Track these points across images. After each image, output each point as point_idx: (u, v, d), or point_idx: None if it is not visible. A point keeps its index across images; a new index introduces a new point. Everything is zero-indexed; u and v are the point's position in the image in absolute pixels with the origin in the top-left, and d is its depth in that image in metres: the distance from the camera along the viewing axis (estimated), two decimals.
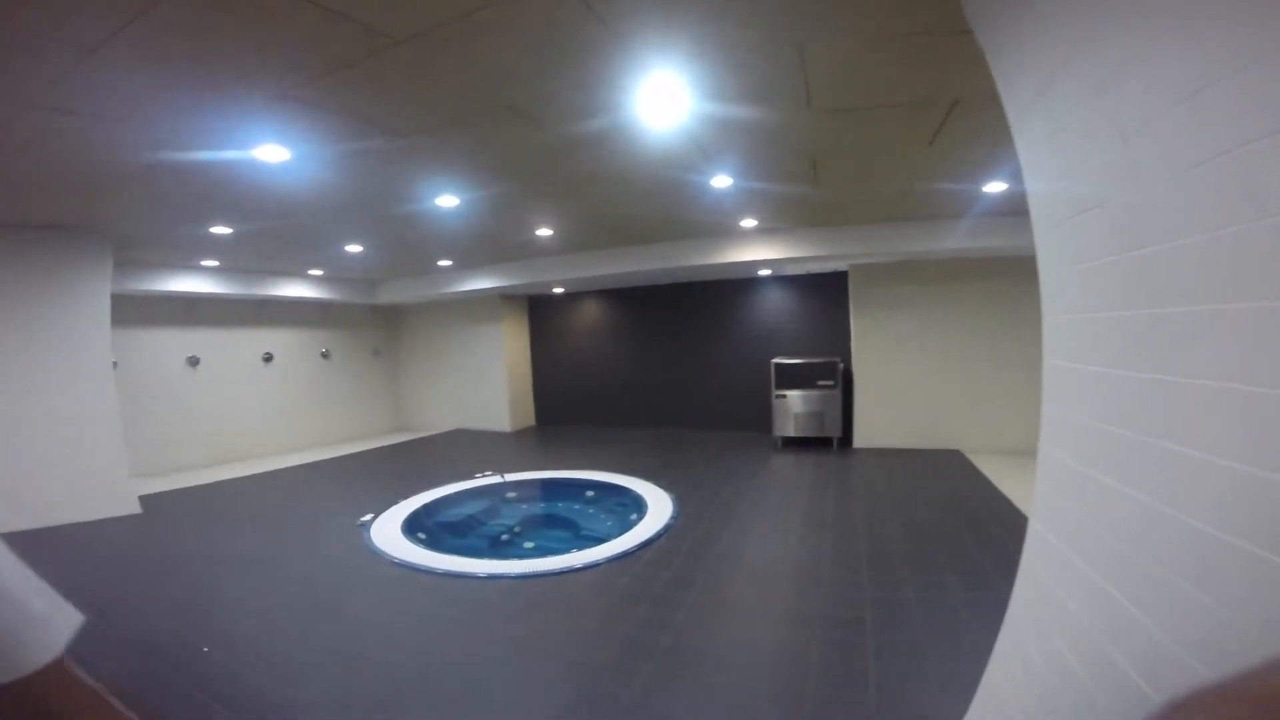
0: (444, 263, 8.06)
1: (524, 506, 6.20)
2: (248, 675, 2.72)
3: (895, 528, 4.49)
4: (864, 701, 2.39)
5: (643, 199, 5.02)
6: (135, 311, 7.15)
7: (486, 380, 10.24)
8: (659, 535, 4.47)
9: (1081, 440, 1.35)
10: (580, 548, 4.64)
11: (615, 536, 4.98)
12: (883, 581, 3.54)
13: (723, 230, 6.47)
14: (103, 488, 5.33)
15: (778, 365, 7.52)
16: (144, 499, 5.69)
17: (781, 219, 6.01)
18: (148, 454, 7.14)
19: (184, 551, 4.50)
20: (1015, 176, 4.36)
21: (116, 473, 5.43)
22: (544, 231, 6.16)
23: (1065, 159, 1.36)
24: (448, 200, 4.65)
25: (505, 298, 9.95)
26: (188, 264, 7.05)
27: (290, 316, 9.22)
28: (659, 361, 9.53)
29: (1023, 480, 5.55)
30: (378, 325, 10.86)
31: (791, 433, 7.50)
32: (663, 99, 2.93)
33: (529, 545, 5.32)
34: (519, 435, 9.81)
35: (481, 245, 6.77)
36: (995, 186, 4.69)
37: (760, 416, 8.42)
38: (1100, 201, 1.21)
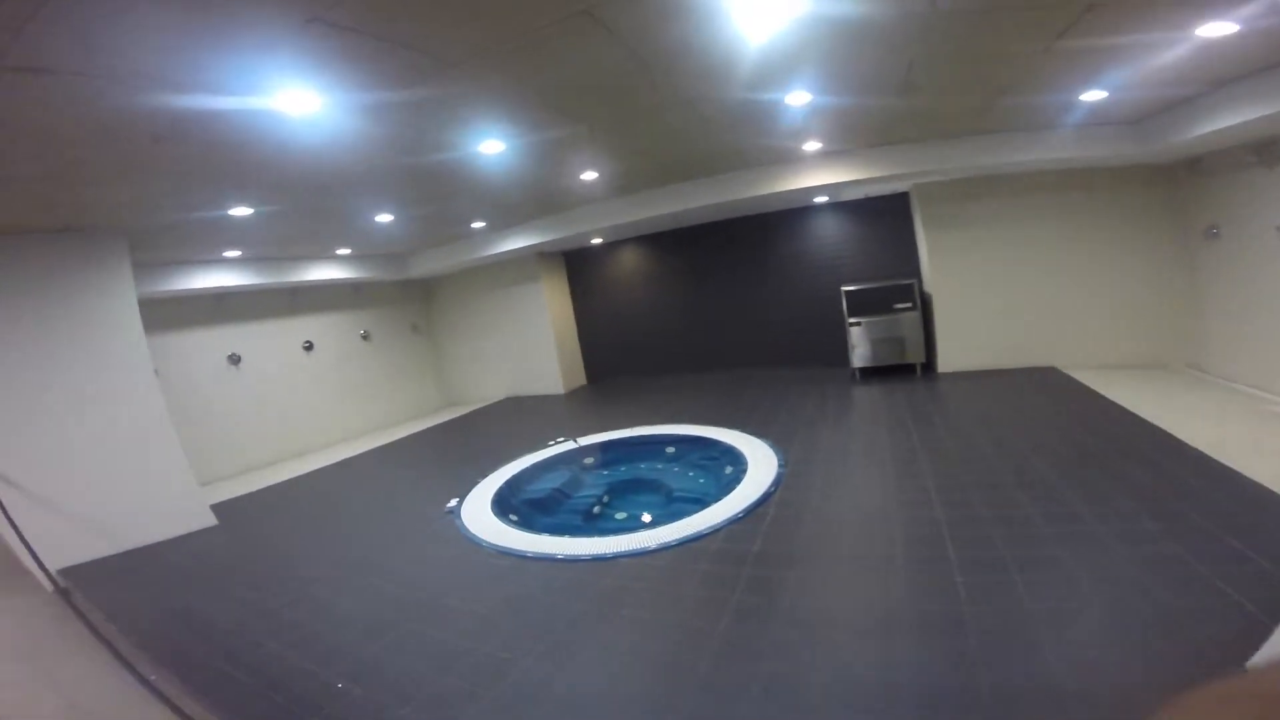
0: (478, 224, 7.59)
1: (605, 472, 5.87)
2: (398, 712, 2.39)
3: (1037, 457, 4.05)
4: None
5: (707, 129, 4.52)
6: (165, 315, 6.84)
7: (533, 343, 9.85)
8: (774, 488, 4.09)
9: None
10: (684, 511, 4.30)
11: (714, 494, 4.64)
12: (1061, 515, 3.13)
13: (781, 157, 5.95)
14: (172, 503, 5.08)
15: (848, 293, 6.99)
16: (217, 508, 5.45)
17: (849, 139, 5.46)
18: (210, 460, 6.94)
19: (273, 563, 4.22)
20: (1121, 85, 3.93)
21: (184, 485, 5.18)
22: (589, 175, 5.63)
23: None
24: (492, 146, 4.14)
25: (541, 256, 9.46)
26: (209, 257, 6.69)
27: (324, 301, 8.87)
28: (711, 302, 9.03)
29: (1145, 394, 5.06)
30: (413, 300, 10.48)
31: (870, 362, 7.02)
32: None
33: (621, 515, 5.01)
34: (573, 396, 9.48)
35: (521, 198, 6.26)
36: (1093, 95, 4.23)
37: (830, 349, 7.93)
38: None
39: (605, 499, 5.27)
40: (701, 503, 4.59)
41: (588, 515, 4.97)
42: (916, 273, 7.29)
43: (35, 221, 4.24)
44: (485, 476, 5.43)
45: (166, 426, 5.08)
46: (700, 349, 9.26)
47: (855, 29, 2.84)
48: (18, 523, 4.13)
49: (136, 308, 5.02)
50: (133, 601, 3.81)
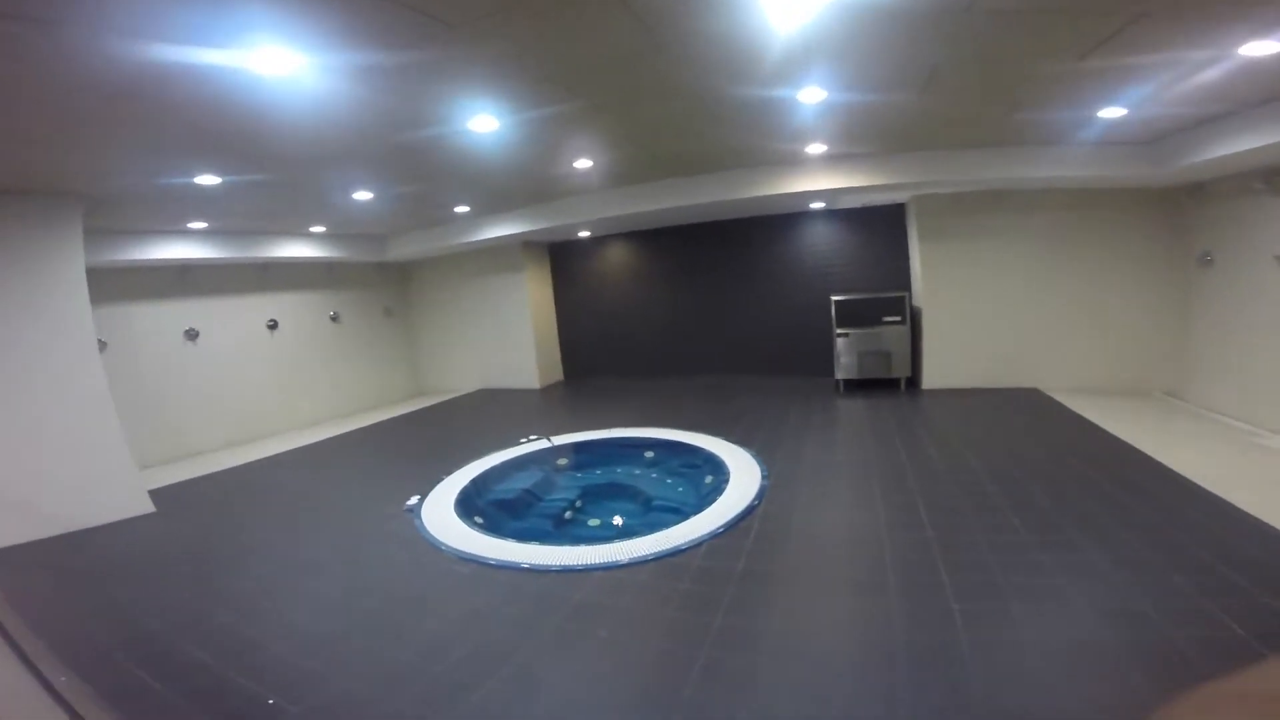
0: (461, 209, 7.27)
1: (579, 475, 5.62)
2: None
3: (1029, 478, 3.95)
4: None
5: (712, 122, 4.31)
6: (121, 285, 6.42)
7: (510, 335, 9.55)
8: (758, 501, 3.89)
9: None
10: (662, 521, 4.09)
11: (693, 504, 4.44)
12: (1059, 543, 2.99)
13: (783, 159, 5.77)
14: (107, 486, 4.69)
15: (838, 303, 6.84)
16: (156, 494, 5.06)
17: (856, 142, 5.28)
18: (153, 442, 6.53)
19: (212, 558, 3.87)
20: (1144, 102, 3.82)
21: (120, 467, 4.78)
22: (582, 164, 5.36)
23: None
24: (485, 123, 3.86)
25: (526, 246, 9.17)
26: (173, 228, 6.27)
27: (294, 280, 8.44)
28: (695, 306, 8.84)
29: (1133, 421, 5.01)
30: (388, 283, 10.08)
31: (855, 374, 6.89)
32: None
33: (595, 522, 4.77)
34: (549, 391, 9.21)
35: (509, 183, 5.97)
36: (1112, 112, 4.14)
37: (814, 359, 7.81)
38: None
39: (578, 503, 5.03)
40: (680, 512, 4.39)
41: (559, 520, 4.73)
42: (907, 286, 7.18)
43: None
44: (450, 473, 5.14)
45: (106, 402, 4.69)
46: (683, 352, 9.06)
47: (888, 18, 2.66)
48: None
49: (84, 275, 4.63)
50: (50, 593, 3.50)
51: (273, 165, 4.28)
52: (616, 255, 9.38)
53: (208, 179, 4.41)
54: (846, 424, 5.72)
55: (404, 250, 8.80)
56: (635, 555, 3.29)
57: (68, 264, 4.54)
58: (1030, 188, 6.02)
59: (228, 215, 5.95)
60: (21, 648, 2.69)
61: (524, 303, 9.34)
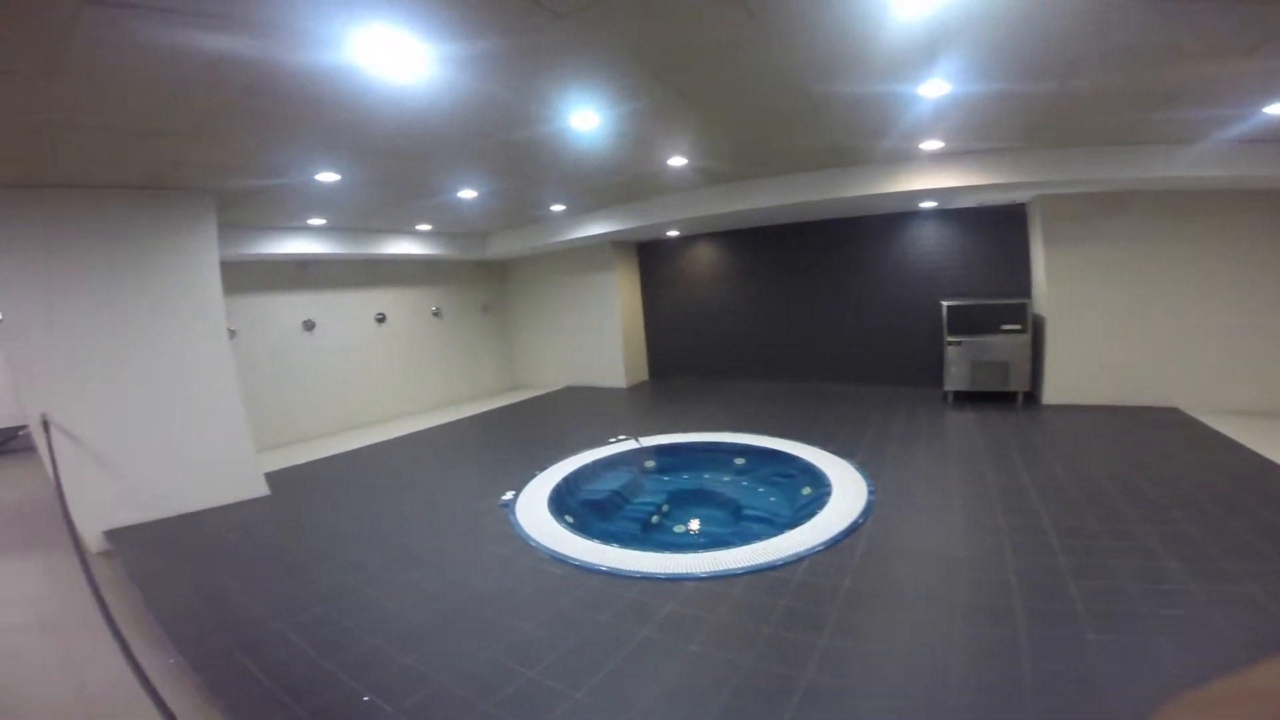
0: (557, 208, 7.35)
1: (666, 479, 5.52)
2: None
3: (1173, 505, 3.49)
4: None
5: (819, 119, 4.12)
6: (247, 277, 6.91)
7: (599, 334, 9.60)
8: (864, 518, 3.63)
9: None
10: (752, 531, 3.92)
11: (787, 515, 4.23)
12: (1210, 572, 2.58)
13: (892, 156, 5.41)
14: (228, 469, 5.01)
15: (951, 308, 6.37)
16: (270, 477, 5.37)
17: (977, 139, 4.87)
18: (267, 426, 6.97)
19: (317, 544, 4.01)
20: None
21: (242, 452, 5.11)
22: (677, 161, 5.26)
23: None
24: (586, 119, 3.83)
25: (616, 245, 9.18)
26: (294, 224, 6.69)
27: (400, 275, 8.88)
28: (789, 308, 8.52)
29: None
30: (486, 281, 10.41)
31: (966, 386, 6.39)
32: None
33: (682, 529, 4.66)
34: (635, 391, 9.17)
35: (604, 181, 5.95)
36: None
37: (919, 368, 7.33)
38: None
39: (665, 508, 4.93)
40: (773, 523, 4.21)
41: (645, 524, 4.64)
42: (1027, 292, 6.59)
43: (121, 176, 4.19)
44: (543, 470, 5.16)
45: (234, 389, 5.03)
46: (774, 356, 8.76)
47: (1032, 4, 2.39)
48: (74, 478, 4.08)
49: (218, 269, 4.98)
50: (169, 574, 3.72)
51: (388, 161, 4.42)
52: (705, 255, 9.22)
53: (328, 176, 4.62)
54: (959, 438, 5.29)
55: (502, 248, 9.02)
56: (731, 567, 3.14)
57: (204, 256, 4.88)
58: (1172, 187, 5.36)
59: (344, 212, 6.29)
60: (140, 626, 2.88)
61: (613, 301, 9.36)
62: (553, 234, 8.30)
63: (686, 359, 9.72)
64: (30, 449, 8.72)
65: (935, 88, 3.49)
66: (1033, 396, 6.40)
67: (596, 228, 7.74)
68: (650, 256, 9.78)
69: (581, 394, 9.29)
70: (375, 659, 2.61)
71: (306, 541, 4.09)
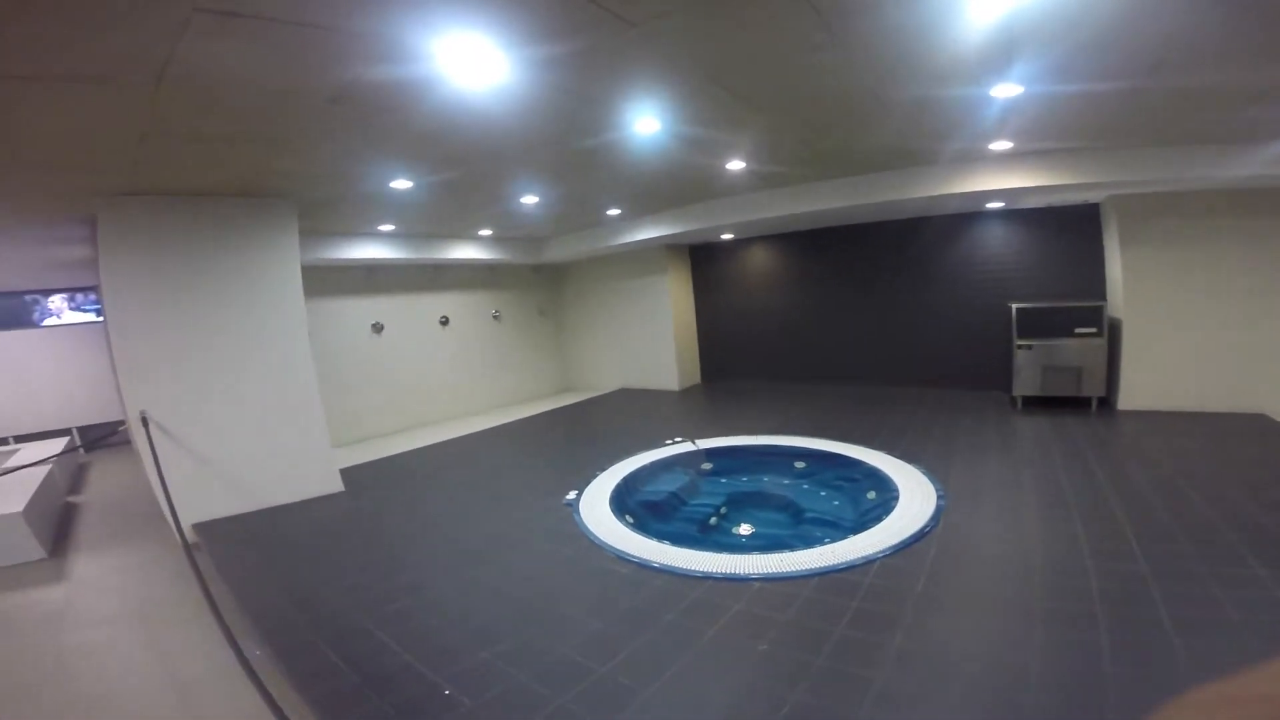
0: (613, 212, 7.44)
1: (724, 480, 5.52)
2: None
3: (1263, 511, 3.33)
4: None
5: (885, 122, 4.07)
6: (321, 281, 7.25)
7: (652, 336, 9.67)
8: (934, 523, 3.56)
9: None
10: (814, 534, 3.91)
11: (851, 520, 4.19)
12: None
13: (957, 156, 5.28)
14: (307, 465, 5.23)
15: (1020, 311, 6.16)
16: (343, 473, 5.57)
17: (1050, 139, 4.71)
18: (338, 425, 7.26)
19: (391, 540, 4.15)
20: None
21: (320, 449, 5.34)
22: (735, 165, 5.27)
23: None
24: (648, 125, 3.89)
25: (669, 248, 9.24)
26: (366, 230, 6.98)
27: (462, 280, 9.18)
28: (846, 310, 8.39)
29: None
30: (542, 285, 10.65)
31: (1037, 391, 6.16)
32: None
33: (740, 530, 4.66)
34: (688, 394, 9.18)
35: (662, 185, 6.01)
36: None
37: (985, 372, 7.11)
38: None
39: (723, 510, 4.93)
40: (835, 526, 4.18)
41: (704, 526, 4.67)
42: (1102, 294, 6.32)
43: (213, 184, 4.42)
44: (603, 470, 5.25)
45: (314, 389, 5.27)
46: (832, 359, 8.64)
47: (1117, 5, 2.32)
48: (166, 473, 4.26)
49: (299, 273, 5.23)
50: (253, 567, 3.88)
51: (459, 168, 4.55)
52: (759, 257, 9.17)
53: (402, 183, 4.82)
54: (1030, 444, 5.11)
55: (558, 252, 9.20)
56: (798, 568, 3.13)
57: (287, 261, 5.13)
58: (1256, 186, 5.05)
59: (412, 218, 6.53)
60: (226, 617, 3.03)
61: (666, 304, 9.41)
62: (608, 238, 8.41)
63: (740, 362, 9.68)
64: (125, 443, 9.36)
65: (1006, 90, 3.43)
66: (1107, 402, 6.13)
67: (651, 231, 7.81)
68: (703, 259, 9.80)
69: (635, 396, 9.37)
70: (454, 653, 2.68)
71: (382, 537, 4.25)
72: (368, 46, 2.44)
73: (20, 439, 8.74)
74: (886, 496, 4.11)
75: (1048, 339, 6.04)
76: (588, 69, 2.93)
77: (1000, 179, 5.33)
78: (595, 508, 4.35)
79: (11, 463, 6.53)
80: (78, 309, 9.41)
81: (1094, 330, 5.87)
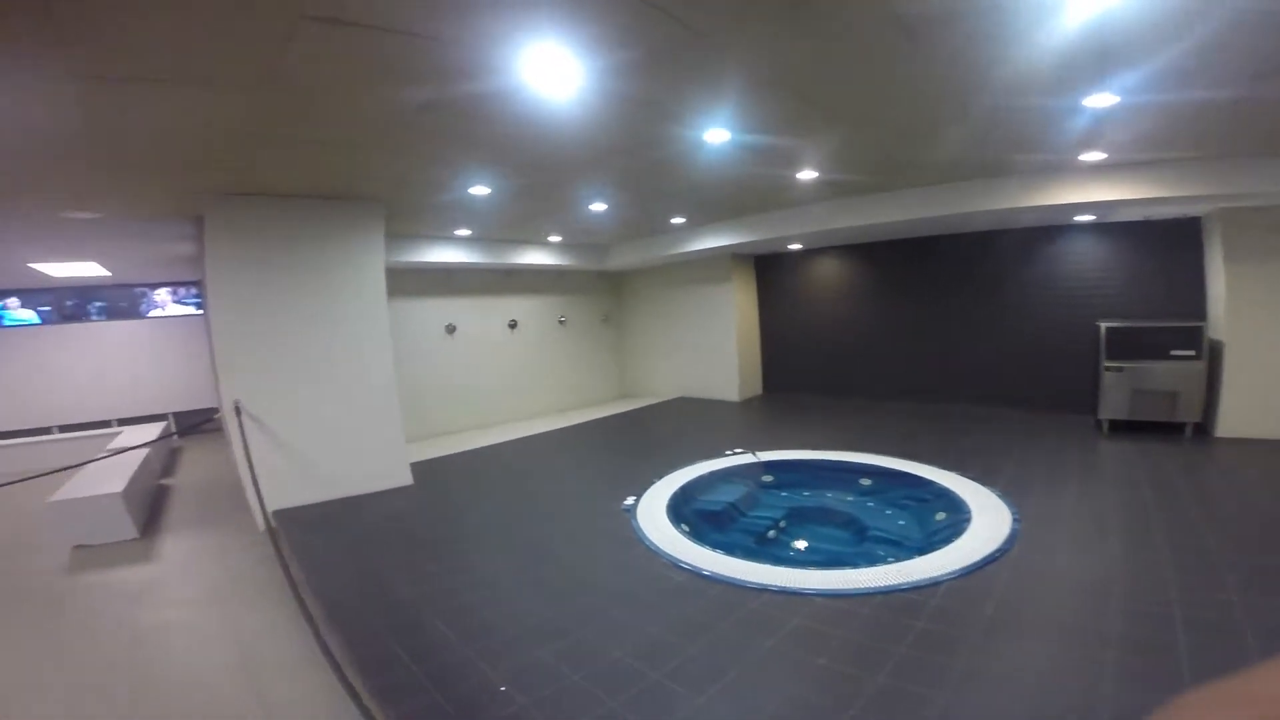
0: (677, 220, 7.49)
1: (784, 494, 5.43)
2: None
3: None
4: None
5: (968, 132, 4.00)
6: (401, 283, 7.58)
7: (713, 345, 9.63)
8: (1009, 545, 3.40)
9: None
10: (878, 553, 3.79)
11: (918, 540, 4.04)
12: None
13: (1044, 167, 5.07)
14: (381, 458, 5.46)
15: (1110, 330, 5.80)
16: (411, 467, 5.78)
17: (1148, 149, 4.46)
18: (409, 420, 7.53)
19: (456, 535, 4.26)
20: None
21: (394, 443, 5.57)
22: (806, 175, 5.21)
23: None
24: (717, 135, 3.90)
25: (734, 257, 9.19)
26: (443, 234, 7.29)
27: (531, 285, 9.45)
28: (917, 325, 8.12)
29: None
30: (606, 291, 10.82)
31: (1125, 415, 5.78)
32: None
33: (800, 544, 4.57)
34: (748, 405, 9.08)
35: (729, 195, 6.02)
36: None
37: (1067, 393, 6.74)
38: None
39: (782, 523, 4.85)
40: (900, 546, 4.04)
41: (761, 538, 4.60)
42: (1201, 314, 5.88)
43: (308, 185, 4.68)
44: (661, 477, 5.26)
45: (393, 386, 5.52)
46: (900, 375, 8.37)
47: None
48: (254, 460, 4.52)
49: (384, 274, 5.50)
50: (328, 554, 4.02)
51: (534, 174, 4.68)
52: (827, 268, 9.01)
53: (481, 189, 5.00)
54: (1117, 470, 4.80)
55: (621, 260, 9.33)
56: (861, 585, 3.05)
57: (373, 263, 5.40)
58: None
59: (487, 223, 6.77)
60: (302, 601, 3.16)
61: (729, 314, 9.35)
62: (671, 246, 8.47)
63: (804, 374, 9.51)
64: (216, 430, 10.04)
65: (1100, 100, 3.28)
66: (1203, 428, 5.69)
67: (716, 240, 7.80)
68: (769, 269, 9.70)
69: (693, 405, 9.35)
70: (512, 651, 2.72)
71: (448, 531, 4.39)
72: (457, 54, 2.54)
73: (123, 422, 9.52)
74: (958, 518, 3.95)
75: (1140, 361, 5.66)
76: (660, 78, 2.97)
77: (1092, 191, 5.08)
78: (653, 514, 4.36)
79: (114, 444, 7.11)
80: (179, 302, 10.18)
81: (1193, 353, 5.46)
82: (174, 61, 2.42)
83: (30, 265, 7.12)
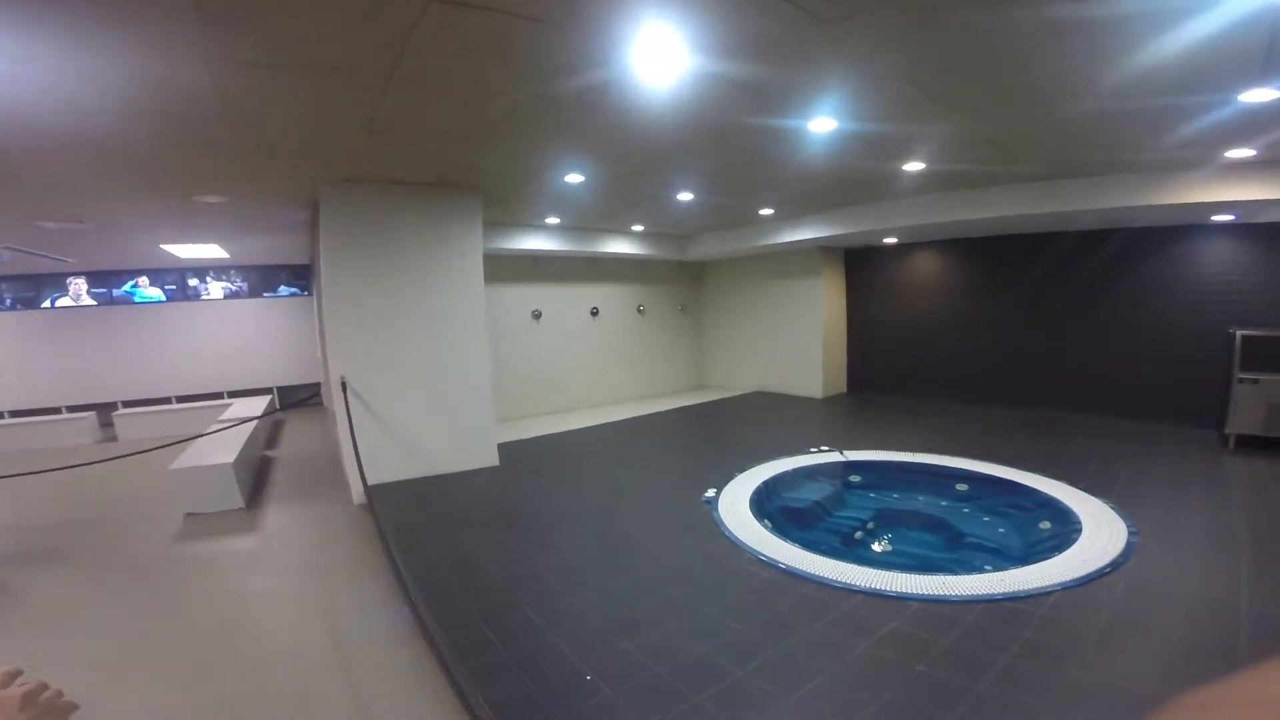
0: (765, 211, 7.34)
1: (873, 495, 5.27)
2: None
3: None
4: None
5: (1100, 128, 3.72)
6: (493, 269, 7.79)
7: (796, 340, 9.45)
8: (1124, 558, 3.20)
9: None
10: (974, 560, 3.63)
11: (1019, 549, 3.85)
12: None
13: (1178, 164, 4.67)
14: (473, 438, 5.66)
15: (1246, 339, 5.28)
16: (498, 448, 5.92)
17: None
18: (497, 402, 7.79)
19: (543, 518, 4.35)
20: None
21: (485, 423, 5.76)
22: (913, 167, 4.98)
23: None
24: (822, 124, 3.78)
25: (823, 250, 8.94)
26: (535, 222, 7.46)
27: (613, 273, 9.56)
28: (1024, 326, 7.65)
29: None
30: (684, 281, 10.81)
31: (1260, 430, 5.25)
32: None
33: (888, 547, 4.44)
34: (831, 402, 8.86)
35: (825, 186, 5.84)
36: None
37: (1192, 403, 6.20)
38: None
39: (870, 525, 4.71)
40: (999, 555, 3.86)
41: (848, 539, 4.50)
42: None
43: (417, 174, 4.89)
44: (742, 471, 5.23)
45: (486, 368, 5.71)
46: (999, 378, 7.94)
47: None
48: (358, 438, 4.74)
49: (481, 261, 5.68)
50: (422, 531, 4.12)
51: (631, 162, 4.67)
52: (922, 264, 8.63)
53: (575, 177, 5.05)
54: (1246, 487, 4.39)
55: (702, 250, 9.29)
56: (962, 593, 2.94)
57: (471, 248, 5.59)
58: None
59: (576, 212, 6.88)
60: (398, 575, 3.27)
61: (816, 308, 9.14)
62: (757, 238, 8.35)
63: (893, 374, 9.18)
64: (317, 405, 10.73)
65: (1261, 95, 2.99)
66: None
67: (806, 233, 7.63)
68: (859, 263, 9.40)
69: (772, 399, 9.22)
70: (598, 640, 2.73)
71: (533, 513, 4.47)
72: (577, 41, 2.53)
73: (233, 394, 10.32)
74: (1065, 529, 3.72)
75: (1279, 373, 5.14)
76: (771, 64, 2.88)
77: (1237, 189, 4.65)
78: (735, 508, 4.34)
79: (226, 415, 7.70)
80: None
81: None
82: (311, 49, 2.49)
83: (162, 246, 7.81)
